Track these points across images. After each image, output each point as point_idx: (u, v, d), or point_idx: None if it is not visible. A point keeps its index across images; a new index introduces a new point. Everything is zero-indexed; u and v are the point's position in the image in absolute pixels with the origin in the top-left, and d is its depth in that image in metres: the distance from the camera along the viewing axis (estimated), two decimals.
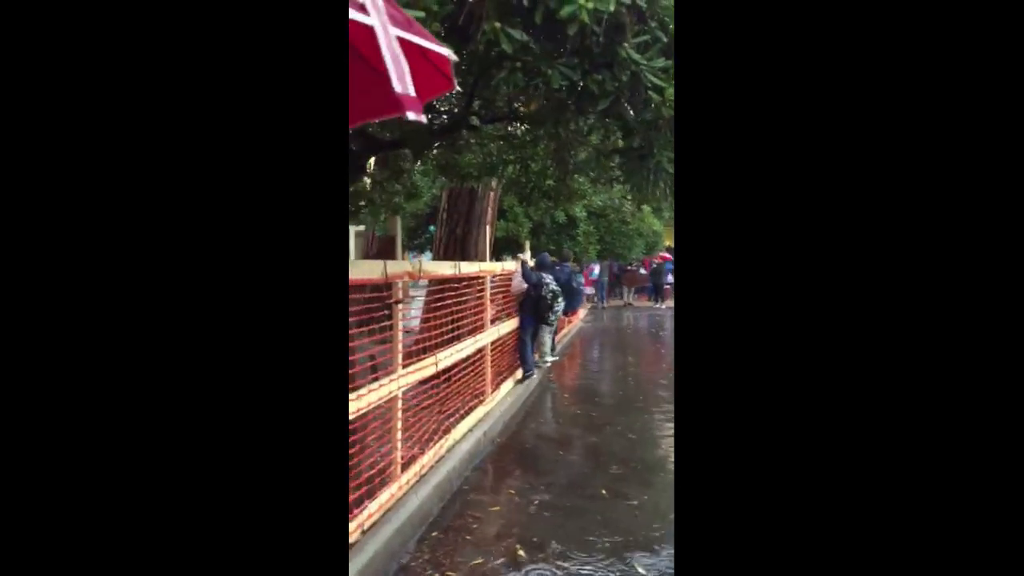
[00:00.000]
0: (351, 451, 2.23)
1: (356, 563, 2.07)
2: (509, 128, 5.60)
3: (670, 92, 1.68)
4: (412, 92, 0.76)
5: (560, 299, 5.47)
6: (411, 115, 0.79)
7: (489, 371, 4.38)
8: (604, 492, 3.04)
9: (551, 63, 1.76)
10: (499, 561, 2.34)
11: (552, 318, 5.48)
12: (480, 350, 4.20)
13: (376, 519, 2.38)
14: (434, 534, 2.57)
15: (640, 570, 2.27)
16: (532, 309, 5.36)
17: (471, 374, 4.06)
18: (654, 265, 14.60)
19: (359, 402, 2.27)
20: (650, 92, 1.72)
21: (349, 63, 0.74)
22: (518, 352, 5.46)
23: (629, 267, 14.90)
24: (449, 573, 2.25)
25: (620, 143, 2.86)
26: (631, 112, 1.90)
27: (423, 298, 4.41)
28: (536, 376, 5.50)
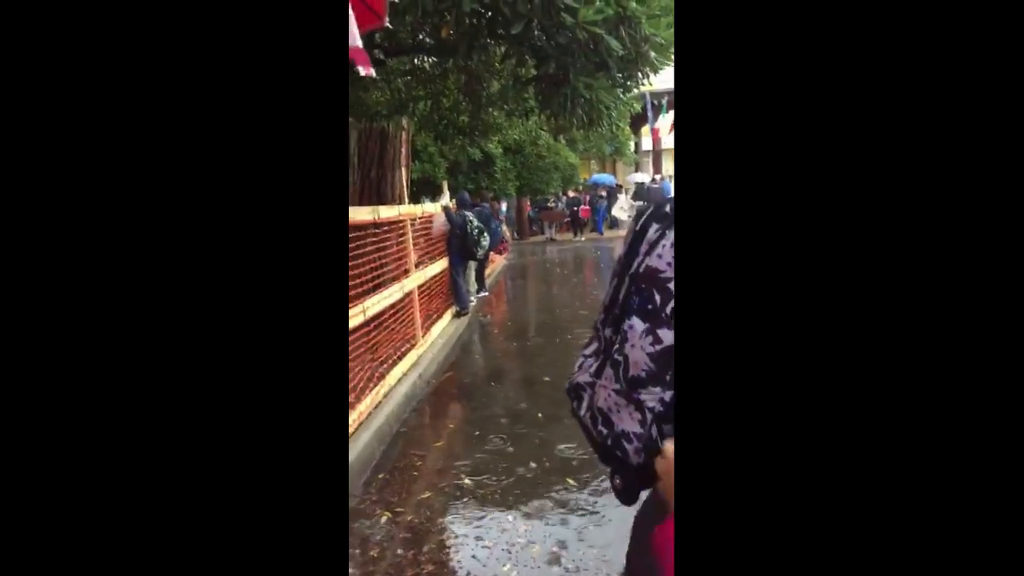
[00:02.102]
0: None
1: None
2: (416, 61, 5.32)
3: (584, 13, 1.64)
4: (359, 43, 0.66)
5: (485, 234, 5.55)
6: (361, 70, 0.69)
7: (418, 315, 4.36)
8: (540, 416, 3.19)
9: None
10: (446, 492, 2.43)
11: (480, 252, 5.58)
12: (407, 295, 4.16)
13: None
14: (379, 476, 2.61)
15: (571, 481, 2.43)
16: (459, 247, 5.44)
17: (400, 320, 4.02)
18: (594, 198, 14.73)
19: None
20: (563, 14, 1.68)
21: None
22: (452, 290, 5.54)
23: (548, 205, 15.03)
24: (398, 508, 2.31)
25: (534, 71, 2.80)
26: (544, 37, 1.85)
27: None
28: (468, 313, 5.59)
